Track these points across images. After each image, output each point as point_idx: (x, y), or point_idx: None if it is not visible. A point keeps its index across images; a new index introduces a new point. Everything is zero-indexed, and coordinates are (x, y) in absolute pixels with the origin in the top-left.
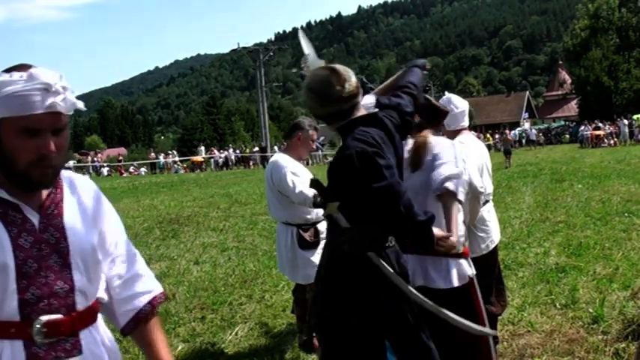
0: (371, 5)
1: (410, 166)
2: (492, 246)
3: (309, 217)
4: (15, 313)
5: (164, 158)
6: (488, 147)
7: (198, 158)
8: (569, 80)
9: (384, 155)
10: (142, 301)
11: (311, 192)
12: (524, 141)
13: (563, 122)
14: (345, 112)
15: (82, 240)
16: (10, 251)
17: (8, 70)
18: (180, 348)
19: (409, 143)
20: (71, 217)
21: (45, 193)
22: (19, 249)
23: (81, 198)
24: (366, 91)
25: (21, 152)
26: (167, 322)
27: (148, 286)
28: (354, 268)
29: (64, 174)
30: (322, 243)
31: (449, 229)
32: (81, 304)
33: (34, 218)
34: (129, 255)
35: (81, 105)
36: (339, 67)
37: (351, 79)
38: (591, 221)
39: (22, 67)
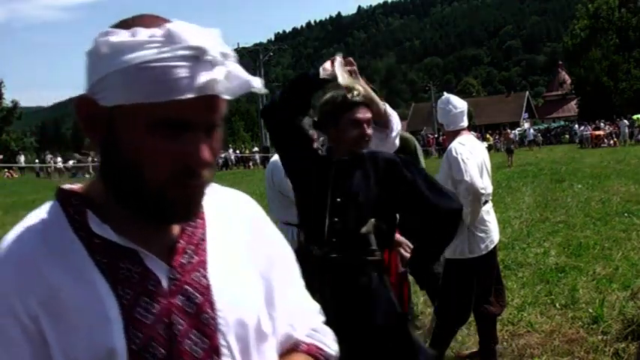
0: (371, 5)
1: None
2: (492, 246)
3: None
4: None
5: None
6: (489, 147)
7: None
8: (568, 80)
9: None
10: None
11: None
12: (526, 141)
13: (562, 122)
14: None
15: (239, 306)
16: (119, 329)
17: (126, 24)
18: None
19: None
20: (221, 266)
21: (176, 228)
22: (135, 325)
23: (234, 230)
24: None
25: (154, 161)
26: None
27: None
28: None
29: None
30: None
31: None
32: None
33: (161, 272)
34: (302, 308)
35: (258, 84)
36: None
37: None
38: (591, 221)
39: (149, 20)
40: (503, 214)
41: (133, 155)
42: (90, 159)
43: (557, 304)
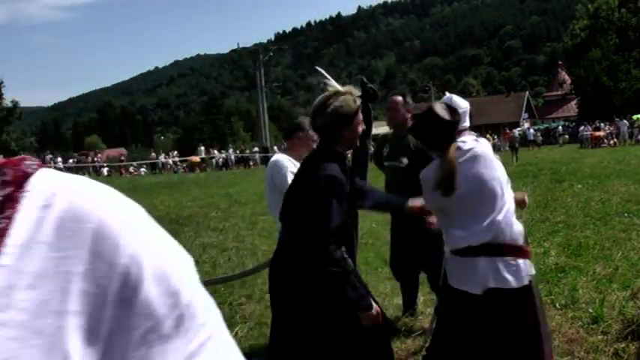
0: (371, 5)
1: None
2: None
3: None
4: None
5: (165, 158)
6: None
7: (196, 158)
8: (568, 80)
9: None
10: None
11: None
12: (528, 140)
13: (562, 123)
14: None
15: None
16: None
17: None
18: None
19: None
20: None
21: None
22: None
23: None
24: (366, 91)
25: None
26: None
27: None
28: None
29: (37, 179)
30: None
31: None
32: None
33: None
34: None
35: None
36: None
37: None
38: (591, 221)
39: None
40: None
41: None
42: (89, 159)
43: (557, 304)
